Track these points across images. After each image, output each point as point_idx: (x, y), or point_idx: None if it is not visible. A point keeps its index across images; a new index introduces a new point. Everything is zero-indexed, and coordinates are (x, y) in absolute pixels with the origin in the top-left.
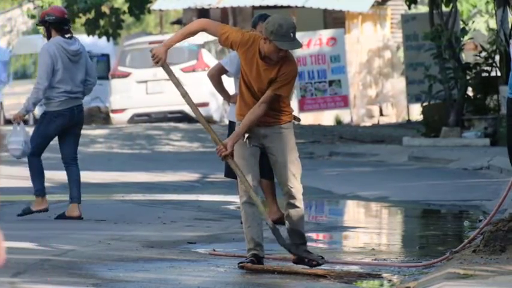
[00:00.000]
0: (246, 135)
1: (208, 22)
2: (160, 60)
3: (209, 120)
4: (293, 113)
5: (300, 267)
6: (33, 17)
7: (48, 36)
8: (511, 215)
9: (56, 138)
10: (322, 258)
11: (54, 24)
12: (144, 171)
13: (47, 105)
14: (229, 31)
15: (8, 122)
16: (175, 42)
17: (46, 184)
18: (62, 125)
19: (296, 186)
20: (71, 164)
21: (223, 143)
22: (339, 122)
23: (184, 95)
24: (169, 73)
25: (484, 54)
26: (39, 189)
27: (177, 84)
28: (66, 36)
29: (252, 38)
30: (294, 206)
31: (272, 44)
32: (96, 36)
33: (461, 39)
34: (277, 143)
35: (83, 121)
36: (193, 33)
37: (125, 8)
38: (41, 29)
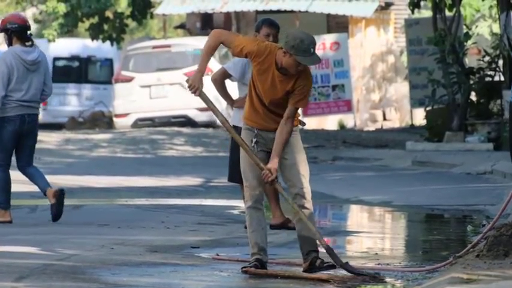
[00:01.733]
0: (254, 139)
1: (222, 33)
2: (197, 89)
3: (212, 125)
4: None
5: (304, 273)
6: (38, 21)
7: (9, 44)
8: None
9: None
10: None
11: (17, 32)
12: (148, 175)
13: None
14: (244, 42)
15: None
16: (206, 66)
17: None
18: (13, 131)
19: (306, 187)
20: (26, 167)
21: (268, 168)
22: (342, 126)
23: (224, 122)
24: (207, 101)
25: (487, 58)
26: (3, 201)
27: (216, 112)
28: (27, 44)
29: (268, 48)
30: (304, 208)
31: (292, 58)
32: (99, 41)
33: (465, 43)
34: (286, 145)
35: (37, 131)
36: (215, 48)
37: (128, 12)
38: (46, 33)
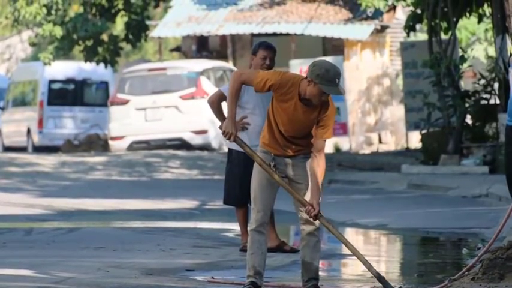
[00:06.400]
0: (272, 163)
1: (242, 73)
2: (232, 135)
3: (208, 147)
4: None
5: None
6: (34, 44)
7: None
8: (510, 242)
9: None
10: None
11: None
12: (143, 198)
13: None
14: (266, 76)
15: (7, 149)
16: (235, 111)
17: (45, 211)
18: None
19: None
20: None
21: (310, 203)
22: (337, 149)
23: (261, 163)
24: (243, 146)
25: (483, 81)
26: None
27: (253, 154)
28: None
29: (292, 80)
30: (313, 235)
31: (316, 87)
32: (95, 64)
33: (460, 66)
34: (302, 171)
35: None
36: (239, 90)
37: (123, 35)
38: (42, 56)
